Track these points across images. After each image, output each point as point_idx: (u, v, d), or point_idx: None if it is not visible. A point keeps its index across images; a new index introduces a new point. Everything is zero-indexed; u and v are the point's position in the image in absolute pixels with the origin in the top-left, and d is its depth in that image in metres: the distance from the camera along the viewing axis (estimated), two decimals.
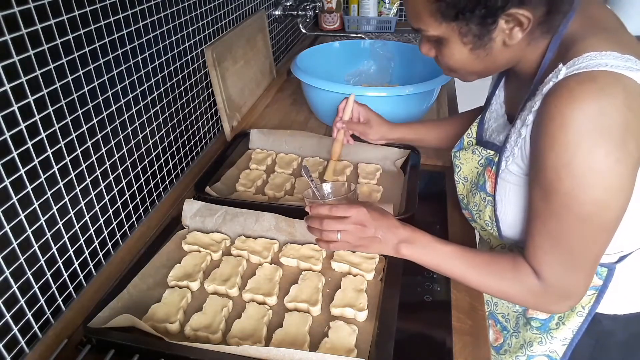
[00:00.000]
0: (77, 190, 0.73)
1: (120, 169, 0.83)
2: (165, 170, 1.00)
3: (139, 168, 0.90)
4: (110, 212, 0.82)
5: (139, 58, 0.85)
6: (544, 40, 0.62)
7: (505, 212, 0.70)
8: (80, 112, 0.71)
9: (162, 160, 0.98)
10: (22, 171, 0.62)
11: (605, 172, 0.53)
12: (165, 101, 0.96)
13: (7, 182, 0.59)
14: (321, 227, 0.68)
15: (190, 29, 1.04)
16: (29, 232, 0.64)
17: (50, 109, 0.65)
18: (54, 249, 0.69)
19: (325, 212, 0.69)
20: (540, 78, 0.62)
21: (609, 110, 0.52)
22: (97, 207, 0.78)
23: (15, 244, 0.62)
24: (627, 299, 0.74)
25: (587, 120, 0.52)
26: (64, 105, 0.68)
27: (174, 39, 0.97)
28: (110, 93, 0.78)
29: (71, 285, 0.74)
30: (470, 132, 0.80)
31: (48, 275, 0.68)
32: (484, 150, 0.75)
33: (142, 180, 0.92)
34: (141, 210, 0.92)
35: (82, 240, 0.75)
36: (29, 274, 0.65)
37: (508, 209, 0.69)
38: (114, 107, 0.80)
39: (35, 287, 0.66)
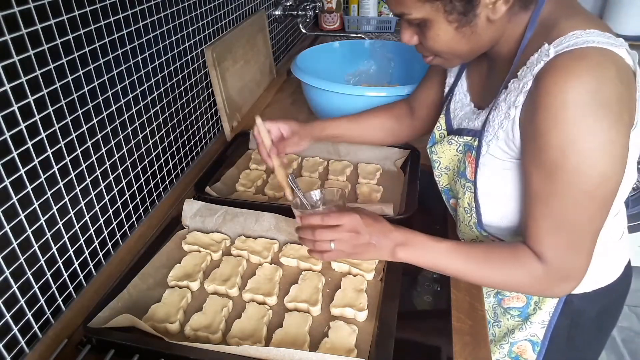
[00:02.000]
0: (77, 190, 0.73)
1: (120, 169, 0.83)
2: (165, 170, 1.00)
3: (139, 168, 0.90)
4: (110, 212, 0.82)
5: (139, 58, 0.85)
6: (523, 17, 0.63)
7: (485, 197, 0.70)
8: (80, 112, 0.71)
9: (162, 160, 0.98)
10: (22, 171, 0.62)
11: (609, 144, 0.54)
12: (165, 101, 0.96)
13: (7, 182, 0.59)
14: (314, 237, 0.66)
15: (190, 29, 1.04)
16: (29, 232, 0.64)
17: (50, 109, 0.65)
18: (54, 249, 0.69)
19: (318, 221, 0.66)
20: (521, 58, 0.63)
21: (605, 84, 0.53)
22: (97, 207, 0.78)
23: (15, 244, 0.62)
24: (593, 276, 0.75)
25: (588, 96, 0.53)
26: (64, 105, 0.68)
27: (174, 39, 0.97)
28: (110, 93, 0.78)
29: (71, 285, 0.74)
30: (439, 125, 0.80)
31: (48, 275, 0.68)
32: (460, 138, 0.74)
33: (142, 180, 0.92)
34: (141, 210, 0.92)
35: (82, 240, 0.75)
36: (29, 274, 0.65)
37: (489, 193, 0.69)
38: (114, 107, 0.80)
39: (35, 287, 0.66)
